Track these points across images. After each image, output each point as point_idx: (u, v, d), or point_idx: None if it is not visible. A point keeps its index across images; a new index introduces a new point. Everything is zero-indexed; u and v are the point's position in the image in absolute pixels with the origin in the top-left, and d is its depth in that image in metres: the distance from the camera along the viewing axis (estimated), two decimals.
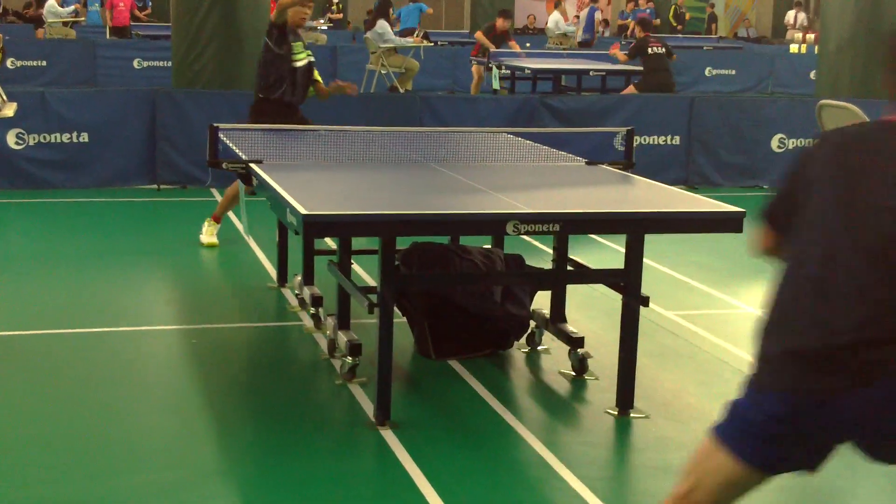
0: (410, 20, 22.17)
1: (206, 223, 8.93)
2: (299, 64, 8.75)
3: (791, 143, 12.62)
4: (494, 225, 5.21)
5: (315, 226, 4.88)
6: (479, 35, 18.94)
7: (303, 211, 4.82)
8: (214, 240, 8.87)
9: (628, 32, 25.71)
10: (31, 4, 29.35)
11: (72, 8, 24.86)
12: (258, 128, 7.50)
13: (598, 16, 25.87)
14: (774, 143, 12.63)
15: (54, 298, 7.43)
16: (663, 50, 15.90)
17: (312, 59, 8.99)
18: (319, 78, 9.17)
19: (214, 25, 12.17)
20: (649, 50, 15.86)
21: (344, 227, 5.06)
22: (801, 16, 30.29)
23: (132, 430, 5.23)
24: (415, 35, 20.13)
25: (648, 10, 26.56)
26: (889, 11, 15.10)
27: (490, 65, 17.59)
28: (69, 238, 9.29)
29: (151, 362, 6.21)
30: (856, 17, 15.13)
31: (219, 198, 10.71)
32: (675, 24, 30.51)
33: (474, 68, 18.75)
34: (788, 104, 13.16)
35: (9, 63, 19.96)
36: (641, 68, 16.06)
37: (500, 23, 18.82)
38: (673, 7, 30.67)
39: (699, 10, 36.26)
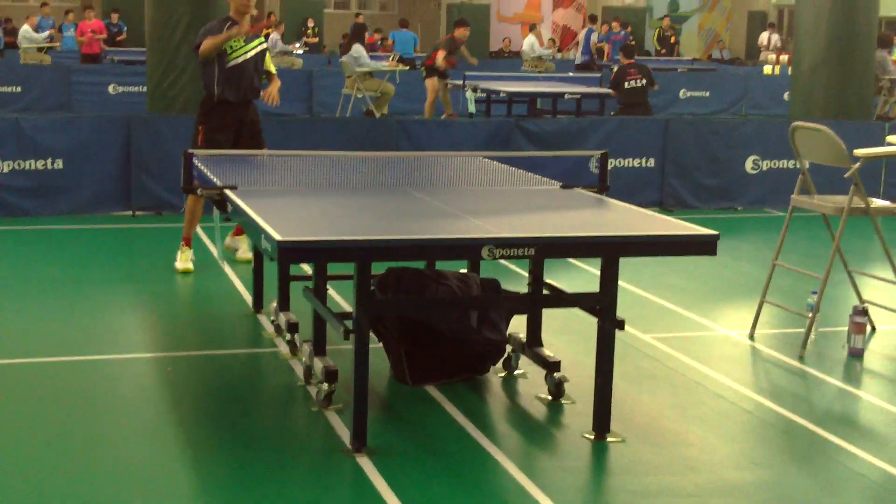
0: (406, 48, 22.23)
1: (179, 250, 8.92)
2: (235, 62, 8.73)
3: (765, 165, 12.69)
4: (469, 249, 5.20)
5: (290, 252, 4.86)
6: (440, 58, 17.90)
7: (277, 237, 4.80)
8: (189, 265, 8.84)
9: (605, 55, 25.75)
10: (6, 31, 29.30)
11: (46, 33, 24.81)
12: (233, 153, 7.49)
13: (594, 38, 25.93)
14: (749, 165, 12.69)
15: (28, 327, 7.38)
16: (643, 82, 15.88)
17: (262, 47, 8.92)
18: (271, 68, 9.10)
19: (189, 51, 12.13)
20: (626, 84, 15.90)
21: (319, 252, 5.04)
22: (775, 37, 30.50)
23: (106, 458, 5.20)
24: (390, 59, 20.14)
25: (623, 33, 26.59)
26: (862, 32, 15.22)
27: (465, 87, 17.61)
28: (44, 265, 9.24)
29: (126, 391, 6.17)
30: (828, 39, 15.24)
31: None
32: (658, 48, 30.48)
33: (429, 82, 18.06)
34: (762, 126, 13.24)
35: None
36: (611, 91, 16.17)
37: (461, 32, 18.21)
38: (657, 30, 30.69)
39: (674, 32, 36.45)
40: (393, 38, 22.28)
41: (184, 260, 8.86)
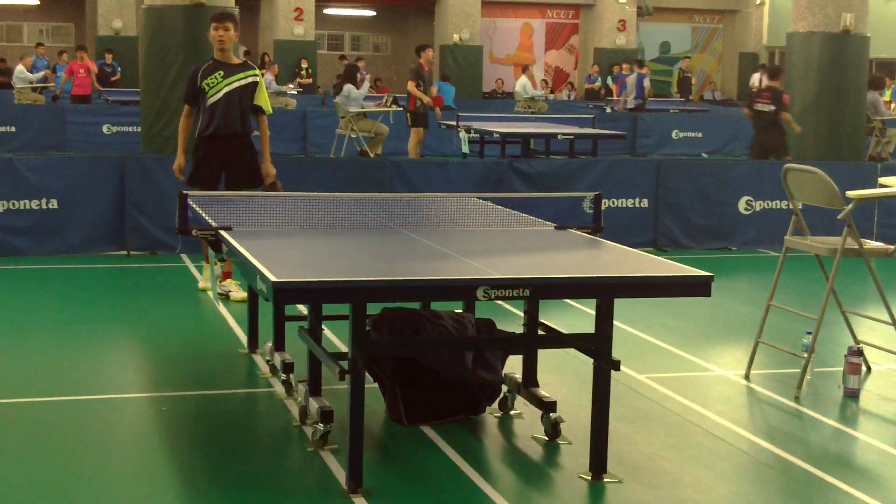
0: (448, 99, 22.28)
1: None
2: (213, 99, 8.89)
3: (759, 205, 12.73)
4: (464, 290, 5.21)
5: (285, 293, 4.87)
6: (411, 87, 17.48)
7: (272, 278, 4.81)
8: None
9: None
10: (2, 71, 29.38)
11: (41, 74, 24.88)
12: (228, 195, 7.50)
13: (646, 82, 26.20)
14: (742, 206, 12.73)
15: (22, 366, 7.36)
16: (771, 107, 15.27)
17: (247, 80, 9.01)
18: (262, 102, 9.15)
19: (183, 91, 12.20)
20: (755, 106, 15.55)
21: (314, 293, 5.04)
22: (766, 78, 30.64)
23: (99, 499, 5.18)
24: (384, 100, 20.16)
25: (638, 74, 26.80)
26: (852, 74, 15.33)
27: (459, 128, 17.66)
28: (38, 305, 9.22)
29: (121, 430, 6.15)
30: (819, 80, 15.36)
31: (189, 263, 10.71)
32: (676, 91, 30.49)
33: (414, 132, 17.74)
34: (755, 166, 13.29)
35: None
36: (605, 132, 16.19)
37: (428, 56, 17.78)
38: (678, 72, 30.74)
39: (666, 73, 36.66)
40: (438, 88, 22.68)
41: (206, 278, 8.97)
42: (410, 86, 17.52)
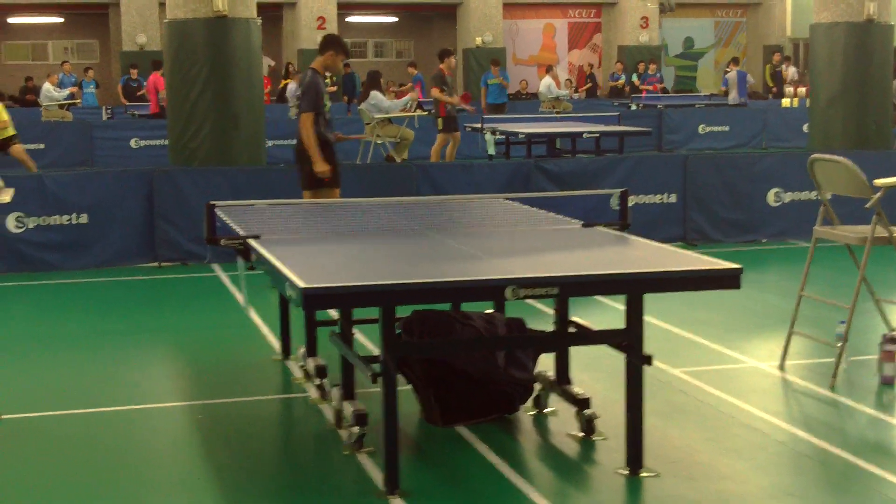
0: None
1: None
2: (327, 108, 10.11)
3: (787, 197, 12.67)
4: (493, 290, 5.21)
5: (315, 298, 4.89)
6: (435, 93, 17.46)
7: (301, 284, 4.83)
8: None
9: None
10: (28, 89, 29.62)
11: (67, 91, 25.04)
12: (255, 203, 7.55)
13: (749, 78, 26.20)
14: (771, 198, 12.68)
15: (58, 379, 7.42)
16: None
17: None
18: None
19: (209, 103, 12.29)
20: None
21: (343, 298, 5.06)
22: (792, 70, 30.49)
23: None
24: (408, 105, 20.13)
25: (658, 75, 26.71)
26: (877, 63, 15.25)
27: (484, 130, 17.65)
28: (72, 319, 9.30)
29: (158, 440, 6.19)
30: (844, 70, 15.29)
31: (219, 272, 10.76)
32: (770, 85, 30.27)
33: (441, 136, 17.71)
34: (782, 158, 13.23)
35: None
36: (630, 129, 16.13)
37: (451, 63, 17.73)
38: (768, 66, 30.53)
39: (690, 69, 36.56)
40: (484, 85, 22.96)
41: None
42: (435, 92, 17.50)
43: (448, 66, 17.66)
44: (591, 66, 34.01)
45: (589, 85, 32.51)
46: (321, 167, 9.84)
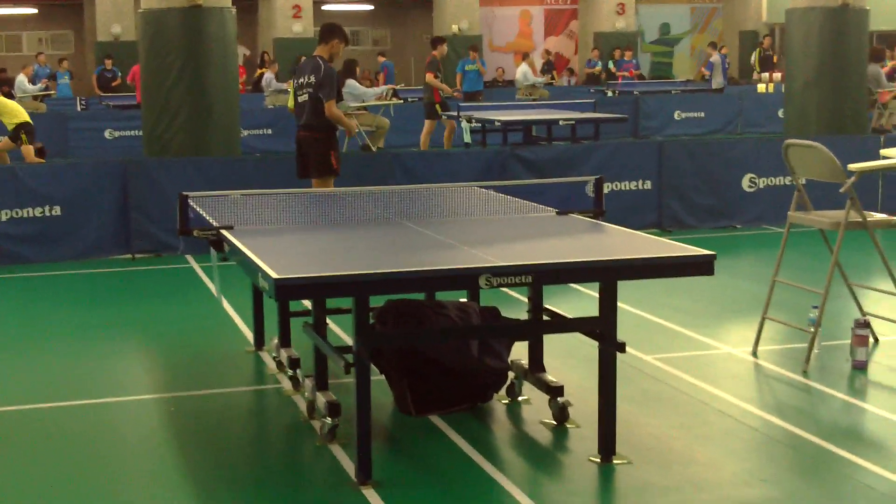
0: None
1: None
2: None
3: (762, 182, 12.71)
4: (466, 279, 5.21)
5: (287, 289, 4.88)
6: (430, 78, 17.96)
7: (274, 275, 4.82)
8: None
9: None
10: (1, 81, 29.44)
11: (40, 85, 24.88)
12: (228, 194, 7.50)
13: (726, 63, 26.39)
14: (745, 183, 12.71)
15: (32, 373, 7.38)
16: None
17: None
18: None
19: (183, 94, 12.22)
20: None
21: (316, 288, 5.05)
22: (755, 55, 30.49)
23: (114, 501, 5.20)
24: (384, 93, 20.13)
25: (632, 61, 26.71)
26: (853, 48, 15.28)
27: (460, 118, 17.63)
28: (46, 312, 9.25)
29: (131, 432, 6.17)
30: (820, 55, 15.30)
31: (193, 264, 10.73)
32: (758, 70, 30.26)
33: (448, 122, 18.21)
34: (757, 144, 13.27)
35: None
36: (606, 115, 16.09)
37: (443, 50, 18.32)
38: (758, 50, 30.46)
39: (666, 55, 36.60)
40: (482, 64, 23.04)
41: None
42: (429, 77, 17.89)
43: (441, 52, 18.20)
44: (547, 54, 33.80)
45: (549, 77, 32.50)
46: (351, 124, 10.47)
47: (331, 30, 10.18)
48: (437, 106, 17.98)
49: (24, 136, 14.81)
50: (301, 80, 10.00)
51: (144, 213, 11.35)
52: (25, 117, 15.08)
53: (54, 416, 6.50)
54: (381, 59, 25.31)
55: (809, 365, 7.05)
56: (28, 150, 15.02)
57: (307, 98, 9.92)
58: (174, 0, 12.19)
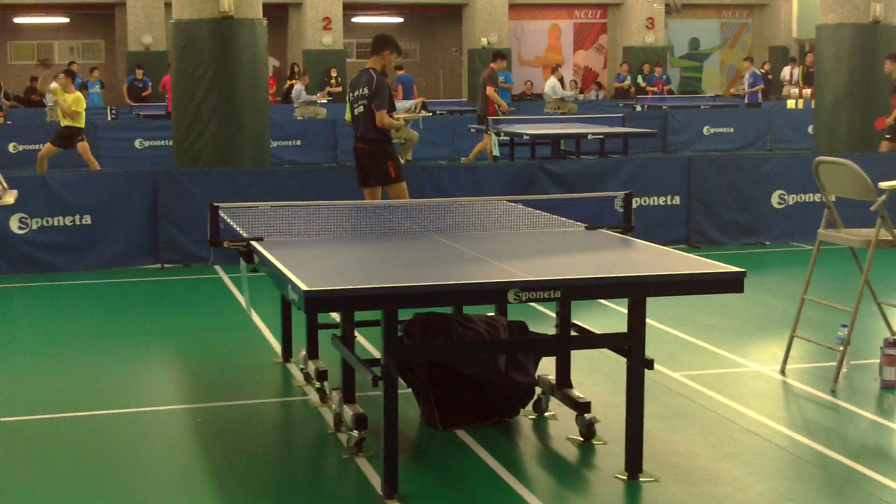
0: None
1: None
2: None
3: (791, 199, 12.65)
4: (495, 294, 5.22)
5: (316, 301, 4.88)
6: (490, 92, 18.24)
7: (303, 287, 4.83)
8: None
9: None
10: (32, 90, 29.62)
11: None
12: (259, 205, 7.53)
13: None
14: (775, 200, 12.66)
15: (60, 382, 7.42)
16: None
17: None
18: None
19: (214, 105, 12.30)
20: None
21: (345, 301, 5.06)
22: (797, 71, 30.43)
23: None
24: (413, 107, 20.16)
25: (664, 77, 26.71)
26: (883, 65, 15.21)
27: (489, 131, 17.64)
28: (74, 320, 9.30)
29: (158, 442, 6.19)
30: (850, 72, 15.26)
31: (222, 274, 10.76)
32: (802, 86, 30.14)
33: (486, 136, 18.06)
34: (787, 160, 13.22)
35: (11, 147, 20.12)
36: (635, 130, 16.02)
37: (501, 64, 18.65)
38: (802, 67, 30.36)
39: (695, 69, 36.51)
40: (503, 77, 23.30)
41: None
42: (490, 91, 18.21)
43: (499, 66, 18.53)
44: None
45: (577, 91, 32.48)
46: (405, 117, 10.60)
47: (383, 41, 10.34)
48: (490, 119, 18.06)
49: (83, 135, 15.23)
50: (356, 92, 10.20)
51: (174, 223, 11.39)
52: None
53: (80, 425, 6.52)
54: (399, 72, 25.34)
55: (838, 384, 7.01)
56: (83, 146, 15.37)
57: (362, 110, 10.09)
58: (205, 11, 12.27)
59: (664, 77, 30.82)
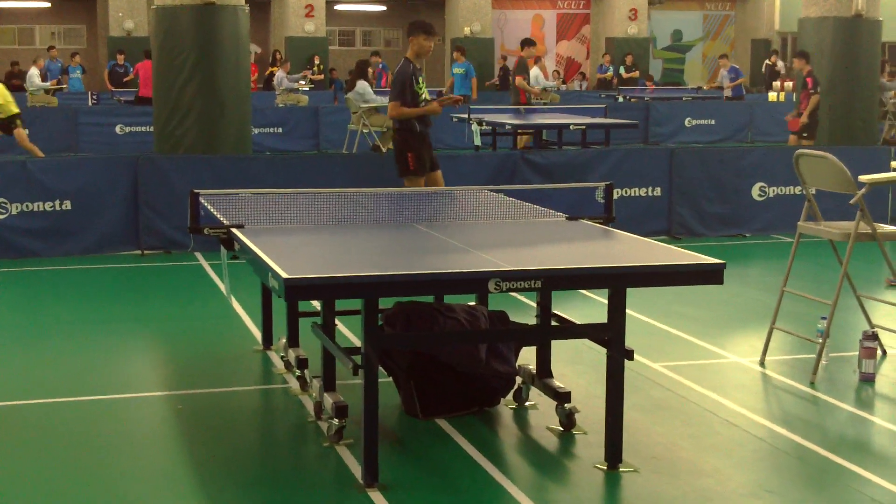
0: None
1: None
2: (424, 99, 10.15)
3: (772, 192, 12.69)
4: (475, 283, 5.21)
5: (296, 289, 4.87)
6: (520, 81, 18.01)
7: (284, 275, 4.82)
8: None
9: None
10: (13, 74, 29.47)
11: (49, 84, 24.90)
12: (240, 192, 7.52)
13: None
14: (755, 192, 12.70)
15: (38, 368, 7.39)
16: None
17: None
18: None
19: (195, 91, 12.23)
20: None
21: (325, 289, 5.05)
22: (780, 64, 30.52)
23: (119, 498, 5.20)
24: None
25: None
26: (865, 58, 15.28)
27: (470, 121, 17.61)
28: (54, 306, 9.26)
29: (138, 430, 6.17)
30: (832, 65, 15.31)
31: (202, 261, 10.74)
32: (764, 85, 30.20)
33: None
34: (768, 153, 13.26)
35: None
36: (617, 121, 16.09)
37: (531, 51, 18.15)
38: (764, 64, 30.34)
39: (678, 61, 36.58)
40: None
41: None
42: (519, 80, 17.99)
43: (529, 54, 18.10)
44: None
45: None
46: (435, 107, 10.24)
47: (410, 27, 10.36)
48: (522, 109, 17.94)
49: (18, 122, 15.14)
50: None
51: (154, 210, 11.35)
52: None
53: (60, 411, 6.50)
54: (377, 59, 25.31)
55: (817, 376, 7.04)
56: (20, 133, 15.29)
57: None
58: None
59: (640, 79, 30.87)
